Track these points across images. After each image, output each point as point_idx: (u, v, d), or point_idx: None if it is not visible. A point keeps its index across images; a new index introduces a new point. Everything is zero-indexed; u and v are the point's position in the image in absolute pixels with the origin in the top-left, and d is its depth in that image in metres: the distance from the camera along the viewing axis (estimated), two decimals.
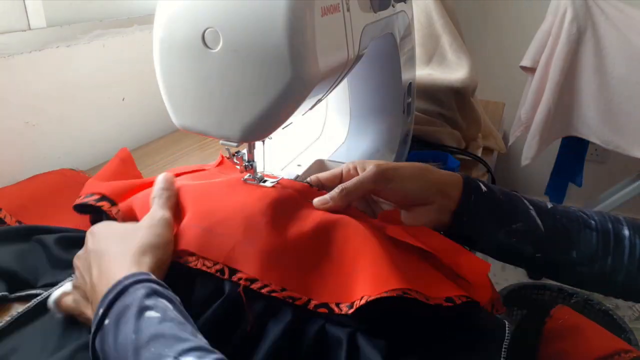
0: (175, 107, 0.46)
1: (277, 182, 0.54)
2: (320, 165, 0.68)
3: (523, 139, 1.57)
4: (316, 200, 0.51)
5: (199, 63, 0.43)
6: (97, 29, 0.85)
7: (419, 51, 0.96)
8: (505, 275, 1.90)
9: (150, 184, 0.53)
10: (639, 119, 1.42)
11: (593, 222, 0.51)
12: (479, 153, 0.98)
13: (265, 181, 0.54)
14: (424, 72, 0.96)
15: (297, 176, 0.64)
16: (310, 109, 0.54)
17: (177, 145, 0.96)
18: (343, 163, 0.67)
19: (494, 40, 2.05)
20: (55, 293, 0.46)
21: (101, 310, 0.38)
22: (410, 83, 0.79)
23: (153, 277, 0.40)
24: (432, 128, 0.93)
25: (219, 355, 0.34)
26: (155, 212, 0.47)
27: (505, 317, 0.46)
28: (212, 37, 0.41)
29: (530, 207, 0.53)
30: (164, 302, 0.38)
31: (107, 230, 0.46)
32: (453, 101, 0.93)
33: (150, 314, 0.36)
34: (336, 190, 0.51)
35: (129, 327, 0.36)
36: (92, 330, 0.38)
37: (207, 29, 0.41)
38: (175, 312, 0.38)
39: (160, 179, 0.51)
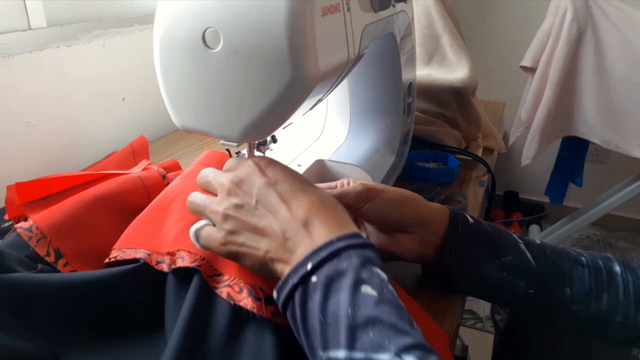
0: (175, 107, 0.46)
1: None
2: (320, 165, 0.68)
3: (523, 139, 1.57)
4: None
5: (199, 63, 0.43)
6: (97, 29, 0.85)
7: (419, 51, 0.96)
8: None
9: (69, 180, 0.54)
10: (639, 119, 1.42)
11: (584, 259, 0.50)
12: (479, 153, 0.98)
13: None
14: (424, 72, 0.96)
15: None
16: (311, 109, 0.54)
17: (177, 145, 0.96)
18: (343, 163, 0.68)
19: (494, 40, 2.05)
20: (198, 224, 0.45)
21: (310, 265, 0.37)
22: (410, 83, 0.79)
23: (367, 239, 0.39)
24: (432, 128, 0.93)
25: (437, 356, 0.33)
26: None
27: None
28: (212, 37, 0.41)
29: (520, 241, 0.51)
30: (378, 274, 0.37)
31: (288, 171, 0.44)
32: (453, 101, 0.93)
33: (367, 289, 0.35)
34: None
35: (344, 298, 0.35)
36: (294, 281, 0.37)
37: (207, 29, 0.41)
38: (390, 290, 0.36)
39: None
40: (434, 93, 0.93)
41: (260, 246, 0.40)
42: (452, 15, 1.01)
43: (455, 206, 0.75)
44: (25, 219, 0.51)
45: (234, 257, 0.43)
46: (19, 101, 0.74)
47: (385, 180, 0.72)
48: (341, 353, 0.33)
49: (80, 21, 0.83)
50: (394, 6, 0.65)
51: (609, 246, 2.12)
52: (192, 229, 0.44)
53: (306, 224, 0.39)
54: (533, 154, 1.53)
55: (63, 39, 0.79)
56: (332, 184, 0.55)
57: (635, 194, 1.66)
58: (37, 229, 0.49)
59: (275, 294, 0.39)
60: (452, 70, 0.94)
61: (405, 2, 0.72)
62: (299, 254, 0.38)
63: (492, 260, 0.50)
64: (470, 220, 0.52)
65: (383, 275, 0.37)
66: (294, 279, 0.37)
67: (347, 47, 0.49)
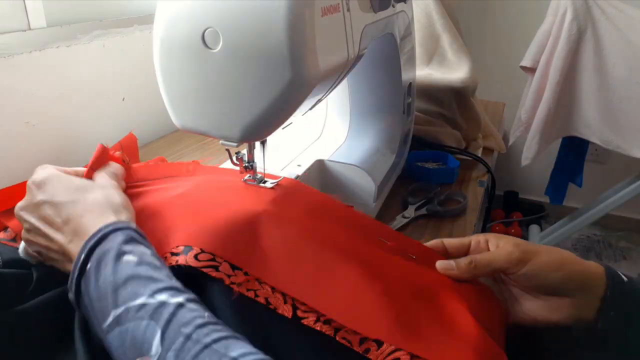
0: (175, 107, 0.46)
1: (277, 183, 0.54)
2: (320, 165, 0.68)
3: (523, 139, 1.57)
4: (440, 264, 0.50)
5: (199, 63, 0.43)
6: (97, 29, 0.85)
7: (419, 51, 0.96)
8: None
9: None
10: (639, 119, 1.42)
11: None
12: (479, 153, 0.98)
13: (265, 182, 0.54)
14: (424, 72, 0.96)
15: (297, 176, 0.64)
16: (310, 109, 0.54)
17: (177, 145, 0.96)
18: (343, 163, 0.67)
19: (494, 40, 2.04)
20: (22, 245, 0.48)
21: (82, 256, 0.40)
22: (410, 83, 0.79)
23: (133, 225, 0.43)
24: (432, 128, 0.93)
25: (190, 294, 0.38)
26: (110, 180, 0.49)
27: None
28: (212, 37, 0.41)
29: None
30: (141, 248, 0.40)
31: (59, 182, 0.46)
32: (453, 101, 0.93)
33: (128, 257, 0.39)
34: (464, 260, 0.49)
35: (108, 269, 0.39)
36: (75, 274, 0.40)
37: (207, 29, 0.41)
38: (152, 258, 0.40)
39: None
40: (434, 93, 0.93)
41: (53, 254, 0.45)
42: (452, 15, 1.01)
43: (455, 206, 0.75)
44: (5, 229, 0.53)
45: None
46: (19, 101, 0.74)
47: (385, 181, 0.72)
48: (110, 317, 0.37)
49: (80, 21, 0.83)
50: (393, 6, 0.65)
51: (609, 246, 2.12)
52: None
53: (78, 225, 0.43)
54: (533, 154, 1.53)
55: (63, 39, 0.79)
56: (465, 240, 0.51)
57: (635, 194, 1.66)
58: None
59: (70, 295, 0.41)
60: (452, 70, 0.94)
61: (405, 2, 0.72)
62: (75, 251, 0.41)
63: None
64: (625, 279, 0.48)
65: (147, 250, 0.41)
66: (75, 273, 0.40)
67: (346, 47, 0.49)
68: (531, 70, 1.54)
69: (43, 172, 0.47)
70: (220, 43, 0.41)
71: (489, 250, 0.50)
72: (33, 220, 0.45)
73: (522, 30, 1.83)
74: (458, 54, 0.96)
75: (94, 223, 0.42)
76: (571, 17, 1.40)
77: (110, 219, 0.43)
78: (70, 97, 0.82)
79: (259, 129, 0.45)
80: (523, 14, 1.96)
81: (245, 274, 0.42)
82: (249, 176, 0.54)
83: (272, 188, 0.53)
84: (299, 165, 0.68)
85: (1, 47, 0.70)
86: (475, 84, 0.95)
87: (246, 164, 0.53)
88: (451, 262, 0.49)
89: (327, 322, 0.40)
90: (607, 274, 0.47)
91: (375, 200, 0.68)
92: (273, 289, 0.41)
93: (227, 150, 0.50)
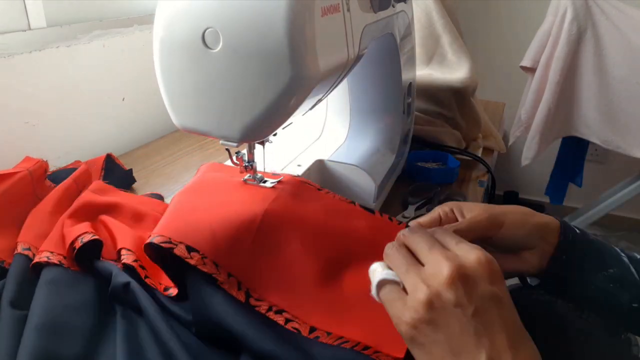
0: (175, 107, 0.46)
1: (278, 182, 0.54)
2: (320, 165, 0.68)
3: (523, 139, 1.57)
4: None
5: (199, 63, 0.43)
6: (97, 29, 0.85)
7: (419, 51, 0.96)
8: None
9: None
10: (639, 119, 1.42)
11: None
12: (479, 153, 0.98)
13: (265, 181, 0.54)
14: (424, 72, 0.96)
15: (297, 176, 0.64)
16: (310, 109, 0.54)
17: (177, 145, 0.96)
18: (343, 163, 0.67)
19: (494, 40, 2.04)
20: (384, 273, 0.39)
21: None
22: (410, 83, 0.79)
23: None
24: (432, 128, 0.93)
25: None
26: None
27: None
28: (212, 37, 0.41)
29: (622, 254, 0.51)
30: None
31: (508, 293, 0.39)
32: (453, 101, 0.93)
33: None
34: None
35: None
36: None
37: (207, 29, 0.41)
38: None
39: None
40: (434, 93, 0.93)
41: None
42: (452, 15, 1.01)
43: None
44: None
45: (410, 342, 0.37)
46: (19, 101, 0.74)
47: (385, 181, 0.72)
48: None
49: (80, 21, 0.83)
50: (393, 6, 0.65)
51: None
52: (377, 274, 0.39)
53: None
54: (533, 154, 1.53)
55: (63, 39, 0.79)
56: (434, 214, 0.51)
57: (635, 194, 1.66)
58: None
59: None
60: (452, 70, 0.94)
61: (405, 2, 0.72)
62: None
63: (599, 270, 0.49)
64: (577, 230, 0.51)
65: None
66: None
67: (346, 47, 0.49)
68: (531, 70, 1.54)
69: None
70: (220, 43, 0.41)
71: (456, 219, 0.50)
72: None
73: (522, 30, 1.83)
74: (458, 54, 0.96)
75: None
76: (571, 17, 1.40)
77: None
78: (70, 97, 0.82)
79: (259, 129, 0.45)
80: (523, 14, 1.96)
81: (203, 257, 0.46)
82: (249, 176, 0.54)
83: (272, 187, 0.53)
84: (299, 165, 0.68)
85: (1, 47, 0.70)
86: (475, 84, 0.95)
87: (246, 164, 0.53)
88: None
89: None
90: (561, 223, 0.51)
91: (375, 200, 0.68)
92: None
93: (227, 150, 0.50)
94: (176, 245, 0.46)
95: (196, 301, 0.46)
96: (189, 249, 0.46)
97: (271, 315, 0.45)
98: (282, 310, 0.45)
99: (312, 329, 0.44)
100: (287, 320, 0.45)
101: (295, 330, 0.44)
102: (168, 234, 0.47)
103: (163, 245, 0.46)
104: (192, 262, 0.45)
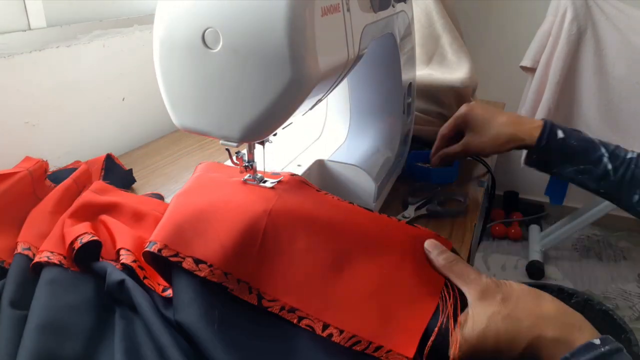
0: (175, 107, 0.46)
1: (278, 182, 0.54)
2: (320, 165, 0.68)
3: None
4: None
5: (199, 63, 0.43)
6: (97, 29, 0.85)
7: (419, 51, 0.96)
8: (505, 275, 1.90)
9: None
10: (639, 119, 1.42)
11: None
12: None
13: (265, 181, 0.54)
14: (424, 72, 0.96)
15: (297, 175, 0.64)
16: (310, 109, 0.54)
17: (177, 145, 0.96)
18: (343, 163, 0.67)
19: (494, 40, 2.05)
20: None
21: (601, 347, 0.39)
22: (410, 83, 0.79)
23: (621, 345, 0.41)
24: (432, 128, 0.93)
25: None
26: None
27: None
28: (212, 37, 0.41)
29: (605, 155, 0.67)
30: None
31: None
32: (453, 101, 0.93)
33: None
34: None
35: None
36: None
37: (207, 29, 0.41)
38: None
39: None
40: (434, 93, 0.93)
41: None
42: (452, 15, 1.01)
43: (455, 206, 0.75)
44: None
45: None
46: (19, 101, 0.74)
47: (385, 181, 0.72)
48: None
49: (80, 21, 0.83)
50: (393, 6, 0.65)
51: (609, 246, 2.12)
52: None
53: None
54: None
55: (63, 39, 0.79)
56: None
57: None
58: None
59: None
60: (452, 70, 0.94)
61: (405, 2, 0.72)
62: (579, 339, 0.40)
63: (572, 166, 0.68)
64: (560, 135, 0.68)
65: None
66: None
67: (346, 47, 0.49)
68: (531, 70, 1.54)
69: None
70: (220, 43, 0.41)
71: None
72: None
73: (522, 30, 1.83)
74: (458, 54, 0.96)
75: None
76: (571, 17, 1.40)
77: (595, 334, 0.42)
78: (70, 97, 0.82)
79: (259, 129, 0.45)
80: (523, 14, 1.96)
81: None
82: (249, 176, 0.54)
83: (272, 187, 0.53)
84: (299, 165, 0.68)
85: (1, 47, 0.70)
86: (475, 84, 0.95)
87: (246, 164, 0.53)
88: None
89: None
90: (544, 127, 0.69)
91: (375, 200, 0.68)
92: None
93: (227, 150, 0.50)
94: (184, 259, 0.45)
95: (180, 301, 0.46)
96: (197, 261, 0.45)
97: (284, 314, 0.45)
98: (295, 309, 0.45)
99: (326, 326, 0.44)
100: (300, 318, 0.45)
101: (309, 329, 0.44)
102: (171, 242, 0.46)
103: (171, 259, 0.46)
104: (201, 274, 0.45)
